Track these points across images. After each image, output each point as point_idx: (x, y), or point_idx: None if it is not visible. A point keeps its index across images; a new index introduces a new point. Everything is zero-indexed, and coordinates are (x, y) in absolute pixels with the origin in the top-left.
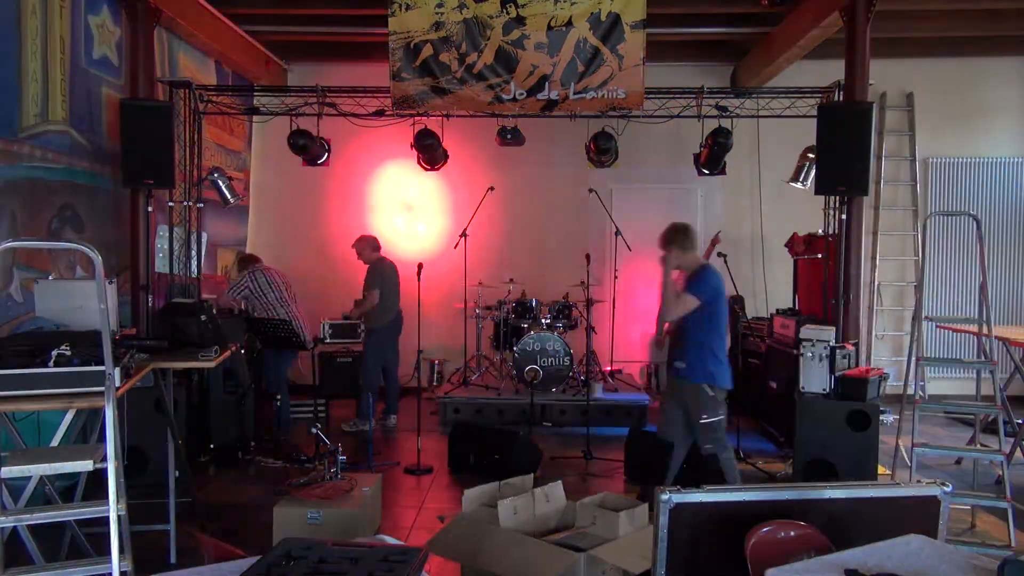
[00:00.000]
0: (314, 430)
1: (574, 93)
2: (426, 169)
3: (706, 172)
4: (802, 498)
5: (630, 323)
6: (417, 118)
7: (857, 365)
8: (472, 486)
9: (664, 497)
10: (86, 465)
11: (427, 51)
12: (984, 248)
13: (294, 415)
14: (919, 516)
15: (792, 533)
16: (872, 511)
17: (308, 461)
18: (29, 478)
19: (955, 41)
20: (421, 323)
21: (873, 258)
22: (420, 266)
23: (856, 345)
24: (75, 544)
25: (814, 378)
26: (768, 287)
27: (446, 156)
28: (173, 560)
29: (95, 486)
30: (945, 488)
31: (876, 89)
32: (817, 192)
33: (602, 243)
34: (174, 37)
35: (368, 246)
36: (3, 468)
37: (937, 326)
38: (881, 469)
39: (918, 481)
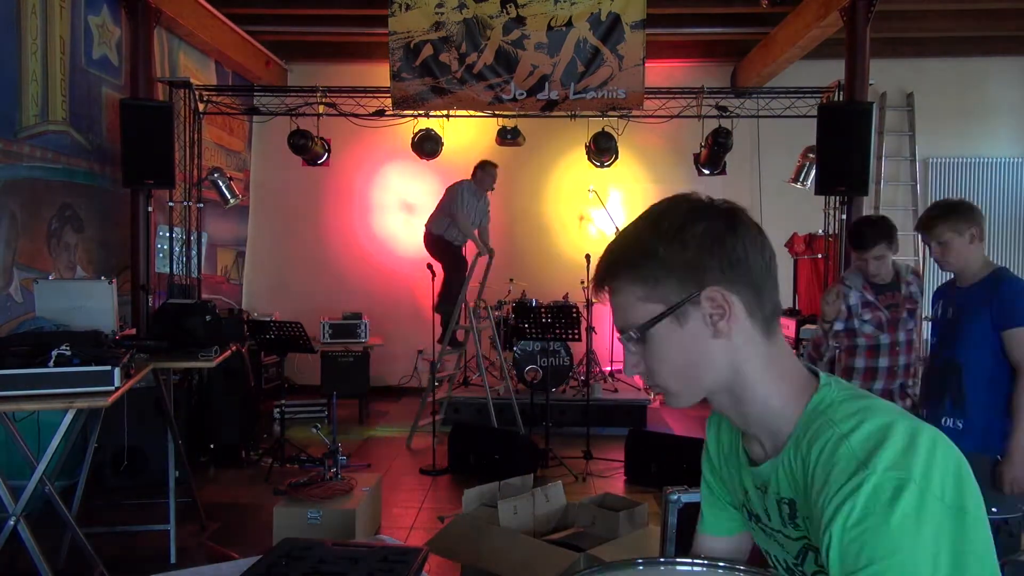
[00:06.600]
0: (314, 430)
1: (574, 93)
2: (425, 160)
3: (706, 172)
4: None
5: None
6: (417, 118)
7: None
8: (472, 486)
9: (673, 497)
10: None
11: (427, 51)
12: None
13: (293, 415)
14: None
15: None
16: None
17: (308, 461)
18: (29, 478)
19: (955, 41)
20: (421, 323)
21: None
22: (430, 265)
23: None
24: (75, 544)
25: None
26: None
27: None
28: (173, 560)
29: (95, 486)
30: None
31: (876, 89)
32: (817, 192)
33: (602, 243)
34: (174, 37)
35: None
36: None
37: None
38: None
39: None
